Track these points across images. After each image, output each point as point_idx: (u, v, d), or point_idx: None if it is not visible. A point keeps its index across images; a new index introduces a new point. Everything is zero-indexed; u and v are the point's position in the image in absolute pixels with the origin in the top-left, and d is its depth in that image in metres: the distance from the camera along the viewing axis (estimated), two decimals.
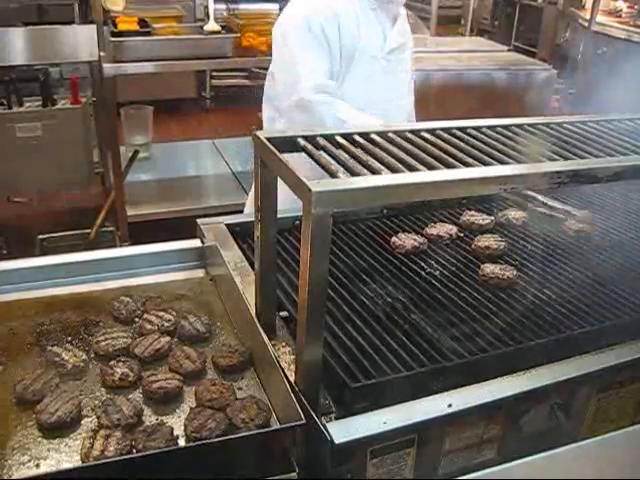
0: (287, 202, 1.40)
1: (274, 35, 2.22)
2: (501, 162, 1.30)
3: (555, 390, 1.40)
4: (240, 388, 1.38)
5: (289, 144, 1.33)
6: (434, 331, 1.49)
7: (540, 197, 2.05)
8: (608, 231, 2.04)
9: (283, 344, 1.46)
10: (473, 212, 2.10)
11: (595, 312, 1.59)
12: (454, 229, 1.98)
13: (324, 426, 1.20)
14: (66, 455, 1.19)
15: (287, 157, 1.23)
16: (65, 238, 3.93)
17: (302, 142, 1.33)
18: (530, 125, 1.55)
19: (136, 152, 4.13)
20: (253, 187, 2.46)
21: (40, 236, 3.91)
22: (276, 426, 1.26)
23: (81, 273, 1.71)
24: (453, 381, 1.35)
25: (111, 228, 4.08)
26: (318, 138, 1.35)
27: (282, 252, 1.80)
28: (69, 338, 1.50)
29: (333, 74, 2.15)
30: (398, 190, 1.18)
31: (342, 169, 1.21)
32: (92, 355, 1.44)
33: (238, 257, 1.79)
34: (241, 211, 2.51)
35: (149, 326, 1.51)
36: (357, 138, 1.37)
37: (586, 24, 5.87)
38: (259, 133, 1.34)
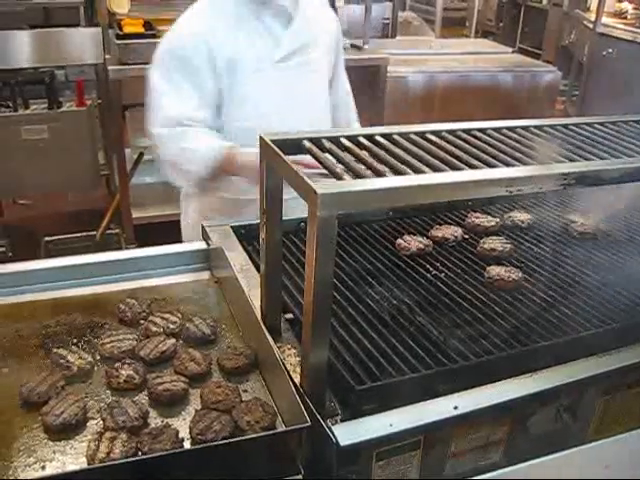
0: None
1: (150, 68, 2.12)
2: (507, 164, 1.30)
3: (562, 392, 1.40)
4: (245, 390, 1.37)
5: (294, 146, 1.33)
6: (440, 333, 1.49)
7: None
8: (614, 232, 2.03)
9: (288, 346, 1.46)
10: (478, 214, 2.10)
11: (601, 314, 1.58)
12: (459, 231, 1.98)
13: (330, 428, 1.19)
14: (72, 457, 1.19)
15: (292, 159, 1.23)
16: (70, 240, 3.95)
17: (307, 144, 1.33)
18: (536, 127, 1.55)
19: (141, 154, 4.14)
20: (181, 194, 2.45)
21: (45, 238, 3.93)
22: (282, 428, 1.26)
23: (87, 275, 1.71)
24: (459, 383, 1.34)
25: (116, 230, 4.10)
26: (323, 140, 1.35)
27: (287, 254, 1.80)
28: (75, 340, 1.50)
29: (202, 99, 2.05)
30: (403, 192, 1.18)
31: (347, 171, 1.21)
32: (98, 357, 1.45)
33: (243, 259, 1.79)
34: None
35: (154, 328, 1.51)
36: (362, 140, 1.37)
37: (591, 26, 5.87)
38: (264, 135, 1.34)
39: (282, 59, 2.12)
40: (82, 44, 3.74)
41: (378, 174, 1.20)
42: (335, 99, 2.42)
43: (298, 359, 1.39)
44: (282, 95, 2.15)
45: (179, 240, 2.00)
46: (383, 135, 1.40)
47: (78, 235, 4.01)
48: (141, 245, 3.19)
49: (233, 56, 2.05)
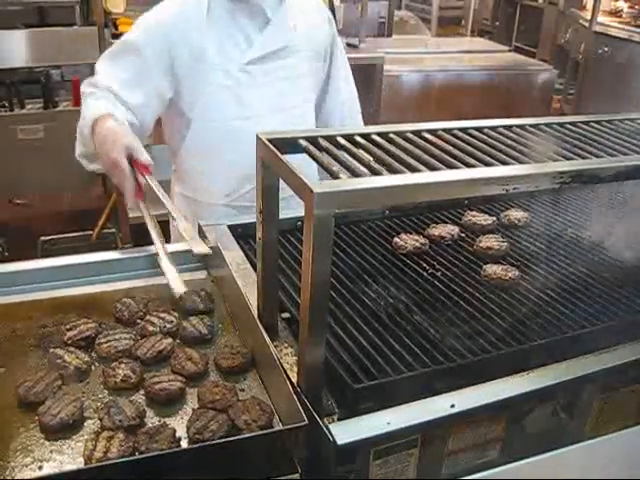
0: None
1: None
2: (503, 162, 1.30)
3: (558, 390, 1.40)
4: (242, 389, 1.37)
5: (290, 145, 1.33)
6: (437, 331, 1.49)
7: None
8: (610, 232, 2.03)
9: (285, 345, 1.46)
10: (475, 213, 2.10)
11: (598, 312, 1.59)
12: (456, 230, 1.98)
13: (327, 427, 1.19)
14: (69, 457, 1.19)
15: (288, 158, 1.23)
16: (67, 240, 3.94)
17: (304, 143, 1.33)
18: (532, 125, 1.55)
19: None
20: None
21: (42, 238, 3.93)
22: (279, 427, 1.26)
23: (83, 275, 1.71)
24: (456, 381, 1.35)
25: (113, 230, 4.09)
26: (319, 139, 1.35)
27: (284, 253, 1.80)
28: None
29: (138, 86, 2.00)
30: (400, 191, 1.18)
31: (344, 170, 1.21)
32: (94, 357, 1.44)
33: (240, 258, 1.79)
34: None
35: (151, 328, 1.51)
36: (358, 139, 1.37)
37: (587, 24, 5.88)
38: (260, 134, 1.34)
39: (250, 62, 2.07)
40: (78, 43, 3.73)
41: (374, 173, 1.20)
42: (330, 106, 2.40)
43: (295, 358, 1.39)
44: (250, 99, 2.09)
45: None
46: (379, 134, 1.40)
47: (74, 235, 4.00)
48: (137, 244, 3.19)
49: (198, 52, 2.01)
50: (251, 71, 2.08)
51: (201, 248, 1.73)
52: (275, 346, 1.41)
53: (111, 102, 1.96)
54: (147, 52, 1.99)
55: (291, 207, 1.66)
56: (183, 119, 2.12)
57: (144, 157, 1.79)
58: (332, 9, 4.21)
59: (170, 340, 1.47)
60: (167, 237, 2.30)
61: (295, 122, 2.17)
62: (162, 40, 1.99)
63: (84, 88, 2.02)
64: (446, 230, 1.96)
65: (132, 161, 1.78)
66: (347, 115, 2.46)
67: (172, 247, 1.86)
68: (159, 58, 2.00)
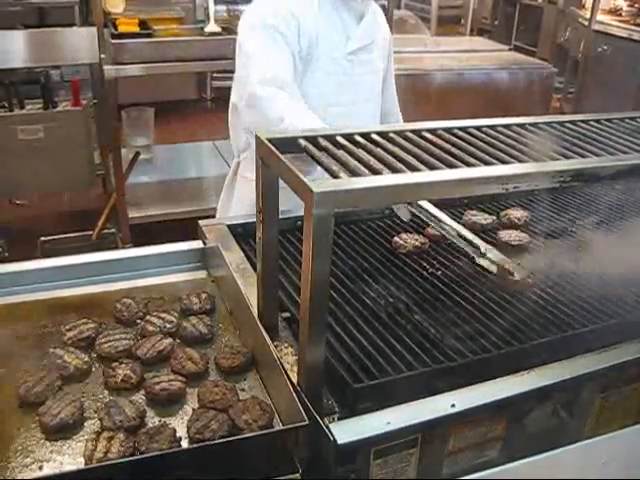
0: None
1: (238, 37, 2.17)
2: (503, 162, 1.30)
3: (559, 389, 1.40)
4: (243, 389, 1.37)
5: (290, 144, 1.33)
6: (437, 331, 1.49)
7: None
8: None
9: (285, 345, 1.46)
10: (475, 212, 2.10)
11: (599, 310, 1.59)
12: None
13: (327, 427, 1.19)
14: (69, 457, 1.19)
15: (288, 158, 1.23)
16: (67, 240, 3.94)
17: (303, 142, 1.33)
18: (531, 124, 1.55)
19: (137, 154, 4.14)
20: (223, 192, 2.44)
21: (42, 238, 3.92)
22: (279, 427, 1.26)
23: (83, 275, 1.71)
24: (456, 381, 1.35)
25: (113, 230, 4.09)
26: (319, 139, 1.35)
27: (284, 253, 1.80)
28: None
29: (294, 74, 2.09)
30: (399, 190, 1.18)
31: (343, 169, 1.21)
32: (94, 357, 1.44)
33: (240, 258, 1.79)
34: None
35: (151, 328, 1.51)
36: (358, 138, 1.37)
37: (586, 23, 5.88)
38: (260, 134, 1.34)
39: (352, 52, 2.20)
40: (77, 44, 3.73)
41: (374, 172, 1.20)
42: (385, 107, 2.48)
43: (295, 357, 1.39)
44: (349, 87, 2.21)
45: (175, 239, 2.00)
46: (379, 133, 1.40)
47: (74, 235, 4.00)
48: (137, 245, 3.18)
49: (313, 39, 2.10)
50: (352, 60, 2.20)
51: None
52: (275, 346, 1.41)
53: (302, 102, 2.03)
54: (291, 40, 2.06)
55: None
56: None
57: None
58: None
59: (170, 340, 1.47)
60: (172, 236, 2.31)
61: (374, 115, 2.35)
62: (295, 27, 2.07)
63: (260, 90, 2.00)
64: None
65: None
66: (400, 120, 2.58)
67: (172, 247, 1.85)
68: (296, 44, 2.08)
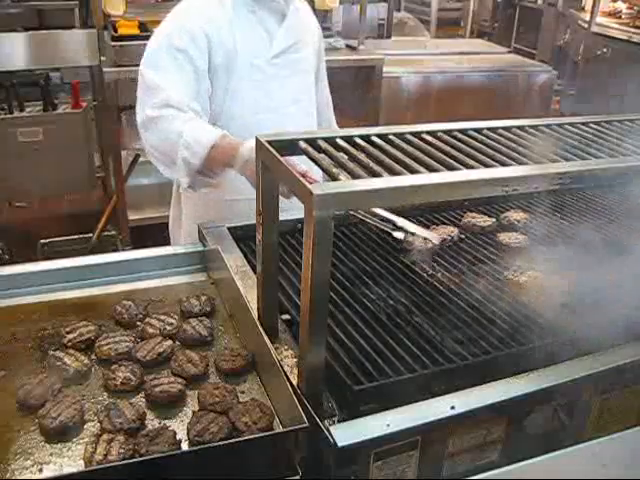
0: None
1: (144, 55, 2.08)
2: (502, 164, 1.30)
3: (558, 391, 1.40)
4: (243, 392, 1.37)
5: (290, 147, 1.33)
6: (437, 333, 1.49)
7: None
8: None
9: (285, 347, 1.46)
10: (474, 214, 2.10)
11: (597, 314, 1.58)
12: (455, 231, 1.98)
13: (327, 429, 1.19)
14: (69, 460, 1.19)
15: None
16: (67, 242, 3.94)
17: (303, 145, 1.33)
18: (531, 126, 1.55)
19: (137, 156, 4.13)
20: (172, 208, 2.41)
21: (41, 241, 3.92)
22: (279, 429, 1.26)
23: (83, 277, 1.71)
24: (456, 383, 1.35)
25: (113, 232, 4.09)
26: (319, 141, 1.35)
27: (284, 255, 1.80)
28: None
29: (198, 93, 2.02)
30: (399, 192, 1.18)
31: (343, 171, 1.21)
32: (94, 359, 1.44)
33: (240, 260, 1.79)
34: None
35: (151, 330, 1.51)
36: (358, 140, 1.37)
37: (586, 25, 5.88)
38: (260, 136, 1.34)
39: (276, 55, 2.14)
40: (77, 46, 3.73)
41: (374, 174, 1.20)
42: (318, 101, 2.41)
43: (295, 360, 1.39)
44: (277, 91, 2.16)
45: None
46: (379, 135, 1.40)
47: (74, 237, 4.00)
48: (137, 247, 3.18)
49: (231, 50, 2.04)
50: (276, 64, 2.15)
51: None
52: (275, 348, 1.41)
53: (204, 120, 1.98)
54: (197, 59, 2.00)
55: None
56: (209, 116, 2.10)
57: (300, 167, 1.72)
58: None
59: (170, 342, 1.47)
60: (166, 240, 2.31)
61: (308, 114, 2.29)
62: (204, 44, 2.01)
63: (150, 111, 1.98)
64: (446, 232, 1.96)
65: None
66: (332, 113, 2.54)
67: (172, 249, 1.85)
68: (205, 62, 2.02)
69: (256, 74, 2.10)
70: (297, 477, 1.18)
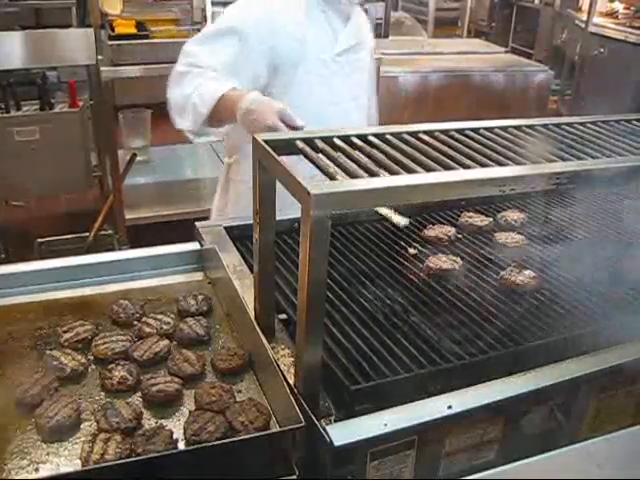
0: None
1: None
2: (499, 163, 1.30)
3: (555, 391, 1.40)
4: (239, 391, 1.37)
5: (287, 147, 1.33)
6: (433, 333, 1.49)
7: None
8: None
9: (282, 347, 1.46)
10: (471, 213, 2.10)
11: (594, 313, 1.59)
12: (452, 231, 1.98)
13: (324, 428, 1.19)
14: (65, 459, 1.19)
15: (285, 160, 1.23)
16: (63, 242, 3.93)
17: (300, 144, 1.33)
18: (528, 126, 1.55)
19: (134, 155, 4.13)
20: (217, 196, 2.47)
21: (38, 240, 3.91)
22: (276, 429, 1.26)
23: (80, 277, 1.71)
24: (453, 382, 1.35)
25: (110, 231, 4.08)
26: (316, 140, 1.35)
27: (281, 254, 1.80)
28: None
29: (238, 70, 2.07)
30: (396, 192, 1.18)
31: (340, 171, 1.21)
32: (91, 359, 1.44)
33: (237, 260, 1.79)
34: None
35: (148, 329, 1.51)
36: (355, 140, 1.37)
37: (583, 25, 5.89)
38: (257, 136, 1.34)
39: (339, 53, 2.27)
40: (74, 45, 3.72)
41: (371, 174, 1.20)
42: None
43: (292, 359, 1.39)
44: (338, 87, 2.28)
45: (172, 241, 1.99)
46: (376, 135, 1.40)
47: (71, 236, 3.99)
48: (134, 246, 3.18)
49: (301, 43, 2.15)
50: (339, 61, 2.27)
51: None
52: (272, 347, 1.41)
53: (223, 79, 2.02)
54: (252, 37, 2.08)
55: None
56: None
57: (298, 121, 1.79)
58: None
59: (167, 342, 1.47)
60: (169, 237, 2.30)
61: (363, 110, 2.44)
62: (267, 27, 2.10)
63: (181, 67, 2.08)
64: (443, 231, 1.96)
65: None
66: (376, 114, 2.66)
67: (168, 249, 1.85)
68: (262, 44, 2.09)
69: (322, 68, 2.23)
70: (294, 477, 1.18)
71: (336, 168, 1.22)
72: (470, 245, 1.93)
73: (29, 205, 4.43)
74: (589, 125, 1.61)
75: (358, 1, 2.33)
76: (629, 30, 5.58)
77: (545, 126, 1.57)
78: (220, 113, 1.97)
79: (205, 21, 3.92)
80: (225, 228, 1.94)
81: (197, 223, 1.96)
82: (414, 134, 1.43)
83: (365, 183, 1.16)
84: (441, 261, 1.77)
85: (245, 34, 2.07)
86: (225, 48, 2.07)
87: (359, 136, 1.39)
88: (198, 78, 2.02)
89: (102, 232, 4.02)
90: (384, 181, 1.18)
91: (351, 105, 2.34)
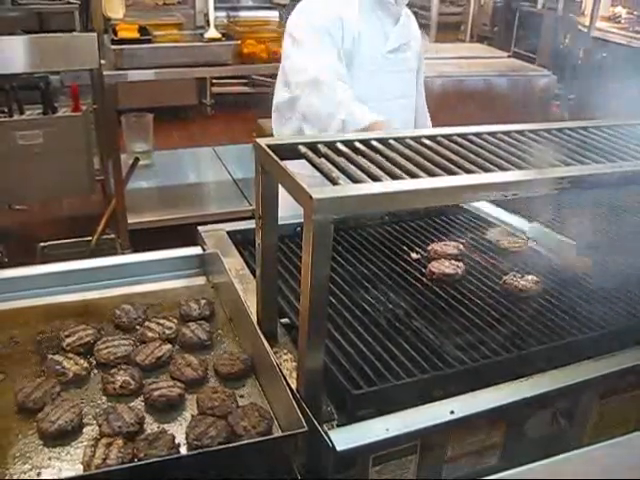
0: (288, 209, 1.40)
1: (284, 43, 2.30)
2: (502, 168, 1.30)
3: (557, 396, 1.40)
4: (242, 396, 1.37)
5: (290, 151, 1.33)
6: (436, 338, 1.49)
7: None
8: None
9: (285, 351, 1.45)
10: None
11: (597, 318, 1.58)
12: (460, 246, 1.94)
13: (326, 433, 1.19)
14: (67, 463, 1.19)
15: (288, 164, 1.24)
16: (66, 246, 3.93)
17: (303, 149, 1.34)
18: (531, 131, 1.55)
19: (137, 159, 4.14)
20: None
21: (41, 244, 3.92)
22: (278, 434, 1.25)
23: (82, 281, 1.71)
24: (455, 387, 1.34)
25: (112, 235, 4.08)
26: (319, 145, 1.35)
27: (283, 259, 1.80)
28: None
29: (340, 72, 2.19)
30: (399, 197, 1.18)
31: (343, 176, 1.21)
32: (93, 363, 1.44)
33: (239, 264, 1.79)
34: (242, 218, 2.50)
35: (150, 334, 1.51)
36: (358, 145, 1.37)
37: (585, 30, 5.90)
38: (260, 140, 1.34)
39: (389, 51, 2.35)
40: (77, 49, 3.73)
41: (374, 179, 1.20)
42: (417, 103, 2.59)
43: (294, 364, 1.39)
44: (387, 84, 2.35)
45: (175, 245, 2.00)
46: (379, 140, 1.40)
47: (73, 240, 3.99)
48: (137, 250, 3.18)
49: (357, 39, 2.24)
50: (389, 59, 2.36)
51: None
52: (274, 352, 1.41)
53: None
54: (338, 40, 2.21)
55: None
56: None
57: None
58: None
59: (169, 346, 1.47)
60: (172, 242, 2.31)
61: (411, 109, 2.52)
62: (339, 26, 2.21)
63: (331, 78, 2.14)
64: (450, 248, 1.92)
65: None
66: (428, 118, 2.71)
67: (171, 253, 1.85)
68: (341, 44, 2.22)
69: (373, 65, 2.30)
70: None
71: (339, 173, 1.22)
72: (473, 250, 1.93)
73: (32, 209, 4.44)
74: (592, 130, 1.60)
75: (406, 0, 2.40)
76: (632, 35, 5.59)
77: (548, 131, 1.57)
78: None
79: (208, 25, 3.93)
80: (227, 232, 1.94)
81: (199, 227, 1.96)
82: (417, 139, 1.43)
83: (368, 188, 1.16)
84: (444, 266, 1.77)
85: (331, 32, 2.18)
86: (332, 52, 2.18)
87: (362, 141, 1.39)
88: (340, 94, 2.10)
89: (104, 236, 4.03)
90: (387, 186, 1.18)
91: (399, 103, 2.41)
